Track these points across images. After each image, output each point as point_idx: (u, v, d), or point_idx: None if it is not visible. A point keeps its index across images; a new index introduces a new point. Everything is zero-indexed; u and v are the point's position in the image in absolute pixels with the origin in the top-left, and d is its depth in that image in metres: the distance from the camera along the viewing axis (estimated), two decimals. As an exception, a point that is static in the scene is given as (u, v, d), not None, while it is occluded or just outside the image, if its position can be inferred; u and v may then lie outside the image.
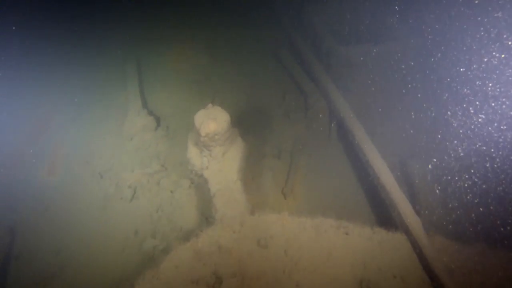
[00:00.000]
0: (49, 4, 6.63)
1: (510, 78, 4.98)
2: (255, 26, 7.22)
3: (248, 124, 5.39)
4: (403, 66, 6.40)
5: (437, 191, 4.57)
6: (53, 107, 5.58)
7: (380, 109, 5.82)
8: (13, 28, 6.04)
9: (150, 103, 5.71)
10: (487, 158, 4.91)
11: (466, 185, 4.63)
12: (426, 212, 3.92)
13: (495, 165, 4.87)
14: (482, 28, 5.41)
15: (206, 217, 4.15)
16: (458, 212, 4.13)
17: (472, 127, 5.23)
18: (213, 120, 3.61)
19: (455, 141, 5.24)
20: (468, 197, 4.32)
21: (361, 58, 6.05)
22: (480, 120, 5.19)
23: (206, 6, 7.64)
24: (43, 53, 6.33)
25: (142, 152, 5.01)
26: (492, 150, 4.92)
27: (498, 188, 4.70)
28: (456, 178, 4.75)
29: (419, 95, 6.02)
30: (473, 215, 4.09)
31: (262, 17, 7.48)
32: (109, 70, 6.21)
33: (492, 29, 5.24)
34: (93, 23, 7.16)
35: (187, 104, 5.71)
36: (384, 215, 3.97)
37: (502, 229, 4.02)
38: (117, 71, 6.12)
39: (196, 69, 6.32)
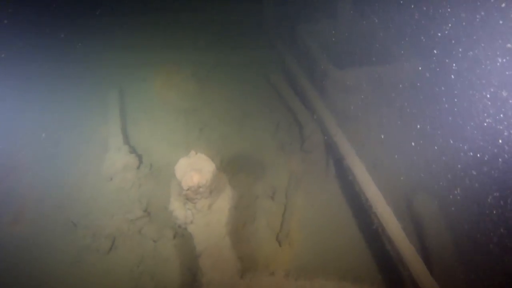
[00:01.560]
0: (22, 27, 6.13)
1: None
2: (246, 49, 6.85)
3: (239, 160, 4.98)
4: (403, 89, 6.08)
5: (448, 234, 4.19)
6: (22, 142, 5.08)
7: (381, 137, 5.45)
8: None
9: (132, 136, 5.25)
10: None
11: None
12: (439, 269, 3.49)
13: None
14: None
15: (194, 275, 3.69)
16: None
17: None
18: (196, 171, 3.17)
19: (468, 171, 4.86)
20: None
21: (359, 82, 5.69)
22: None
23: (194, 28, 7.24)
24: (11, 78, 5.73)
25: (122, 194, 4.55)
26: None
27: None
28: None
29: (422, 120, 5.68)
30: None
31: (253, 39, 7.12)
32: (87, 99, 5.73)
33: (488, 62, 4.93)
34: (69, 46, 6.67)
35: (173, 137, 5.28)
36: (392, 272, 3.54)
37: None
38: (97, 101, 5.65)
39: (183, 98, 5.89)
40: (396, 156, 5.13)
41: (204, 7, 7.63)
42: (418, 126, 5.40)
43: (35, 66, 6.07)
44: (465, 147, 5.10)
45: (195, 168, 3.20)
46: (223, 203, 3.52)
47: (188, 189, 3.17)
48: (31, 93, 5.69)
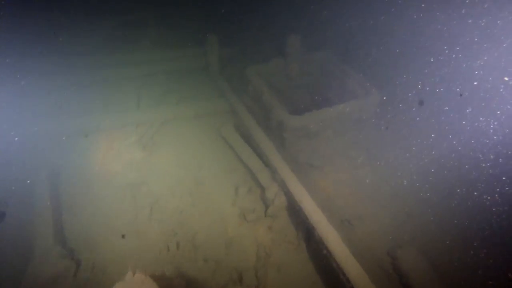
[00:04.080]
0: None
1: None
2: (195, 99, 6.27)
3: (197, 240, 4.34)
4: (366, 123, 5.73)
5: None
6: None
7: (355, 188, 5.01)
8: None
9: (68, 229, 4.48)
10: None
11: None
12: None
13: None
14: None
15: None
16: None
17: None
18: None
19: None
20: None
21: (320, 125, 5.27)
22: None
23: (136, 83, 6.59)
24: None
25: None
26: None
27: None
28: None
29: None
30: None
31: (201, 87, 6.59)
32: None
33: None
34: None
35: (119, 222, 4.56)
36: None
37: None
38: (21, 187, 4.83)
39: (128, 168, 5.19)
40: (372, 208, 4.70)
41: (148, 57, 7.00)
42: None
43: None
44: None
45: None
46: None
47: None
48: None
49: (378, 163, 5.29)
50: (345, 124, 5.57)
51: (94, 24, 7.59)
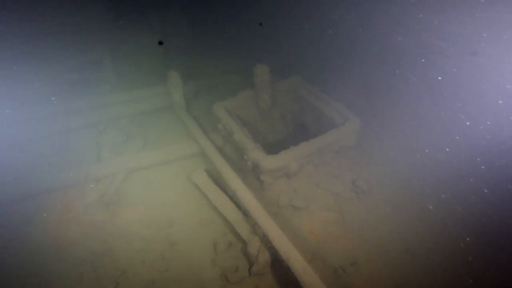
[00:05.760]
0: None
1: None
2: (160, 143, 5.74)
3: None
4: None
5: None
6: None
7: (345, 227, 4.55)
8: None
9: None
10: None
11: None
12: None
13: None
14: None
15: None
16: None
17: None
18: None
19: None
20: None
21: (300, 161, 4.83)
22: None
23: (91, 126, 6.00)
24: None
25: None
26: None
27: None
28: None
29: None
30: None
31: (166, 127, 6.08)
32: None
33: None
34: None
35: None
36: None
37: None
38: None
39: (89, 233, 4.55)
40: (367, 250, 4.26)
41: (107, 101, 6.41)
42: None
43: None
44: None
45: None
46: None
47: None
48: None
49: (365, 195, 4.89)
50: (326, 156, 5.17)
51: (47, 69, 6.97)
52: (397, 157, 5.21)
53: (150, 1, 7.59)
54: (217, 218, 4.67)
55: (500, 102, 3.79)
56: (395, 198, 4.81)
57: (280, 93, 6.03)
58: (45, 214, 4.73)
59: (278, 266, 4.01)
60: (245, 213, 4.41)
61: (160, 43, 7.03)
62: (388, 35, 5.02)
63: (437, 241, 4.20)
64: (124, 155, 5.49)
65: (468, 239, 4.13)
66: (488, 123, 3.96)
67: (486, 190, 4.09)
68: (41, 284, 4.02)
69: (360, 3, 5.52)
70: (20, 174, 5.10)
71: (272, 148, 5.71)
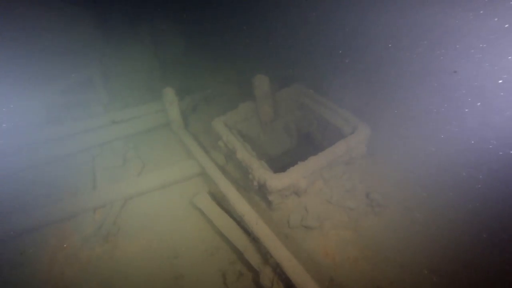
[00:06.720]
0: None
1: None
2: (158, 165, 5.41)
3: None
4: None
5: None
6: None
7: (363, 245, 4.21)
8: None
9: None
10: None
11: None
12: None
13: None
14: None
15: None
16: None
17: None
18: None
19: None
20: None
21: (309, 178, 4.48)
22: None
23: (84, 151, 5.67)
24: None
25: None
26: None
27: None
28: None
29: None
30: None
31: (163, 147, 5.75)
32: None
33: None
34: None
35: None
36: None
37: None
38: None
39: (88, 270, 4.22)
40: (391, 272, 3.90)
41: (100, 123, 6.09)
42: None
43: None
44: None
45: None
46: None
47: None
48: None
49: (381, 208, 4.54)
50: (336, 169, 4.82)
51: (35, 92, 6.66)
52: (412, 164, 4.87)
53: (140, 16, 7.29)
54: (224, 244, 4.34)
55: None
56: (414, 210, 4.47)
57: (282, 103, 5.71)
58: (37, 253, 4.40)
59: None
60: (255, 239, 4.07)
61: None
62: (394, 36, 4.71)
63: (466, 258, 3.84)
64: (121, 181, 5.16)
65: (505, 255, 3.77)
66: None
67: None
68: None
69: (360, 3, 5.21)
70: (6, 209, 4.77)
71: (277, 162, 5.41)
